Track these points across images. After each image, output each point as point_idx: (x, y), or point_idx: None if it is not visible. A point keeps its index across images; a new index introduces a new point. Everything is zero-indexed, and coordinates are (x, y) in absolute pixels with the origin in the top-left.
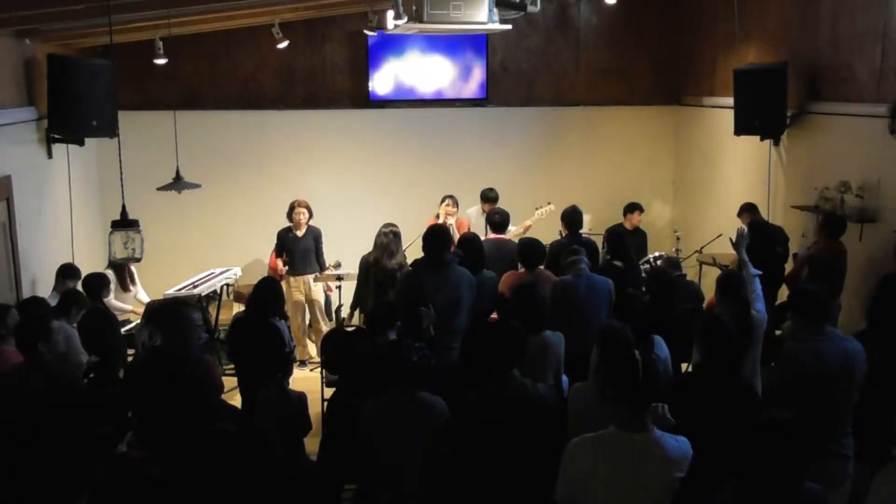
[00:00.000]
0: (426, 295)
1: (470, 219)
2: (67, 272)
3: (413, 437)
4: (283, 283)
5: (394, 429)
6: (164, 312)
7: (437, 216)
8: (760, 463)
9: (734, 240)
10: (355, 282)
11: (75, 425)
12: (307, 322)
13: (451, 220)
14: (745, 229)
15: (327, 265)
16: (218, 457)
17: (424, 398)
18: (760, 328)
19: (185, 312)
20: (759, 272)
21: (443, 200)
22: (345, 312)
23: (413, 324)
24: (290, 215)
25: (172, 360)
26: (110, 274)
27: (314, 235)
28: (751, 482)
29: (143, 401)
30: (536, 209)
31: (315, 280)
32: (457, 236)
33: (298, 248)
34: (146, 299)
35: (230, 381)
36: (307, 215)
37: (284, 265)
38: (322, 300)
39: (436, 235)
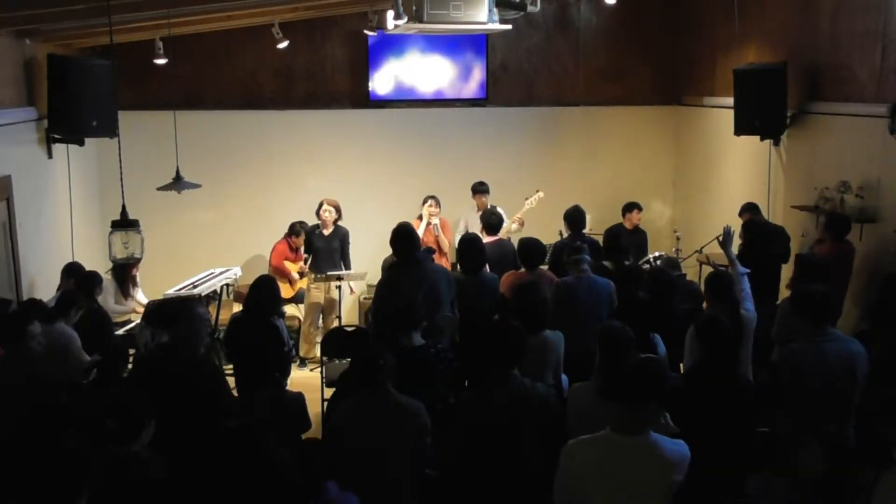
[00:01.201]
0: (404, 295)
1: (467, 219)
2: (71, 271)
3: (382, 438)
4: (290, 284)
5: (363, 428)
6: (171, 308)
7: (420, 217)
8: None
9: (720, 238)
10: (354, 282)
11: (46, 426)
12: (319, 322)
13: (434, 220)
14: (731, 228)
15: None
16: (224, 454)
17: (398, 400)
18: (750, 327)
19: (192, 307)
20: (748, 270)
21: (425, 201)
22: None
23: (407, 324)
24: (317, 213)
25: (181, 357)
26: (110, 281)
27: (341, 236)
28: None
29: (153, 398)
30: (526, 199)
31: (315, 281)
32: (442, 236)
33: (324, 247)
34: (144, 301)
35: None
36: (334, 214)
37: (305, 262)
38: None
39: (402, 235)
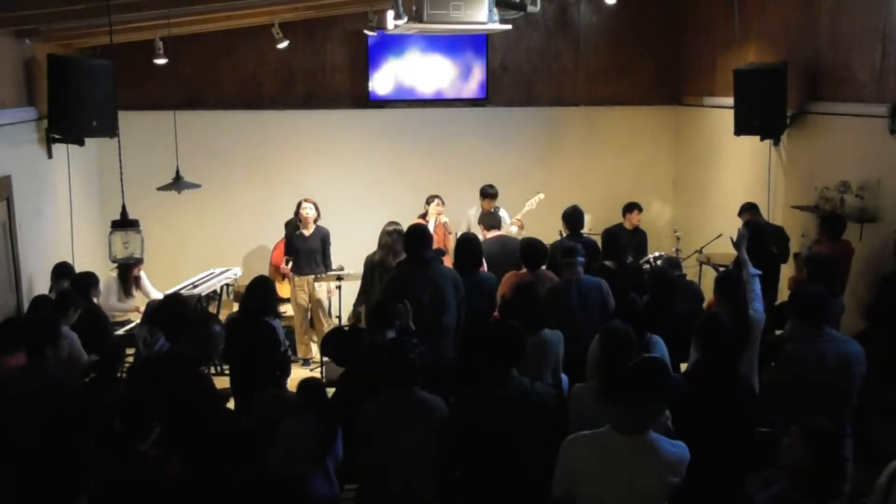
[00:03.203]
0: (411, 294)
1: (470, 218)
2: (62, 272)
3: (414, 436)
4: (288, 283)
5: (395, 428)
6: (186, 316)
7: (425, 216)
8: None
9: (735, 239)
10: (355, 282)
11: (75, 429)
12: (309, 322)
13: (444, 219)
14: (746, 229)
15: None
16: (225, 458)
17: (423, 397)
18: (758, 328)
19: (213, 329)
20: (759, 272)
21: (431, 200)
22: (346, 314)
23: (380, 322)
24: (297, 213)
25: (184, 368)
26: (114, 279)
27: (321, 236)
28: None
29: (169, 400)
30: (527, 201)
31: (315, 280)
32: (451, 235)
33: (304, 248)
34: (158, 296)
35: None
36: (314, 212)
37: (287, 263)
38: (326, 301)
39: (415, 235)
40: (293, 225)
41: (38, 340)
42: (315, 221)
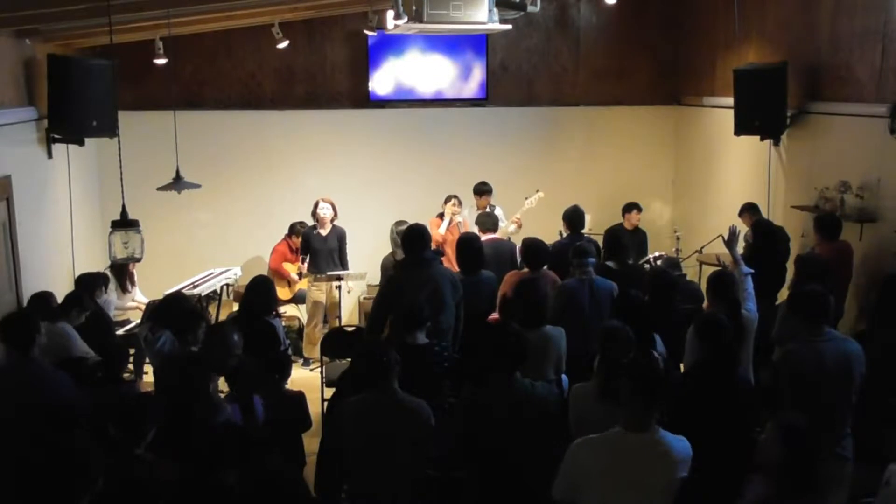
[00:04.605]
0: (408, 295)
1: (465, 218)
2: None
3: (386, 437)
4: (288, 285)
5: (368, 427)
6: (212, 333)
7: (442, 215)
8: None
9: (726, 238)
10: (354, 282)
11: (66, 426)
12: (323, 322)
13: (458, 219)
14: (737, 228)
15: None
16: (222, 457)
17: (403, 399)
18: (751, 327)
19: (232, 339)
20: (752, 271)
21: (448, 200)
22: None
23: (412, 324)
24: (314, 213)
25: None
26: (110, 277)
27: (338, 235)
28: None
29: (176, 406)
30: (525, 199)
31: (314, 282)
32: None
33: (323, 248)
34: (144, 300)
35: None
36: (331, 212)
37: (303, 262)
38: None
39: (413, 235)
40: (306, 225)
41: (24, 337)
42: (332, 221)
